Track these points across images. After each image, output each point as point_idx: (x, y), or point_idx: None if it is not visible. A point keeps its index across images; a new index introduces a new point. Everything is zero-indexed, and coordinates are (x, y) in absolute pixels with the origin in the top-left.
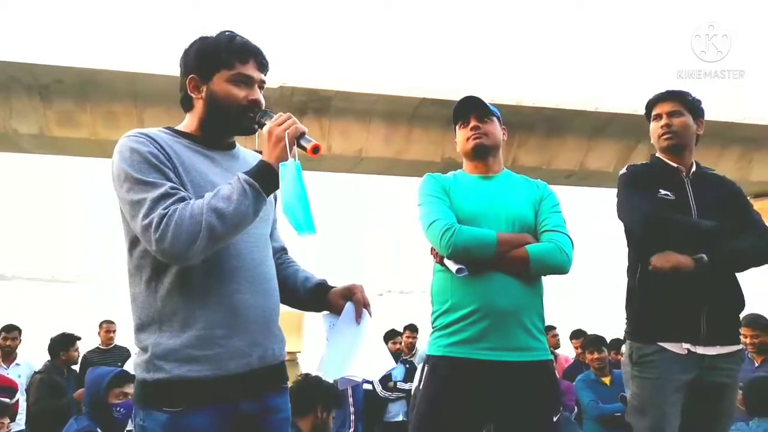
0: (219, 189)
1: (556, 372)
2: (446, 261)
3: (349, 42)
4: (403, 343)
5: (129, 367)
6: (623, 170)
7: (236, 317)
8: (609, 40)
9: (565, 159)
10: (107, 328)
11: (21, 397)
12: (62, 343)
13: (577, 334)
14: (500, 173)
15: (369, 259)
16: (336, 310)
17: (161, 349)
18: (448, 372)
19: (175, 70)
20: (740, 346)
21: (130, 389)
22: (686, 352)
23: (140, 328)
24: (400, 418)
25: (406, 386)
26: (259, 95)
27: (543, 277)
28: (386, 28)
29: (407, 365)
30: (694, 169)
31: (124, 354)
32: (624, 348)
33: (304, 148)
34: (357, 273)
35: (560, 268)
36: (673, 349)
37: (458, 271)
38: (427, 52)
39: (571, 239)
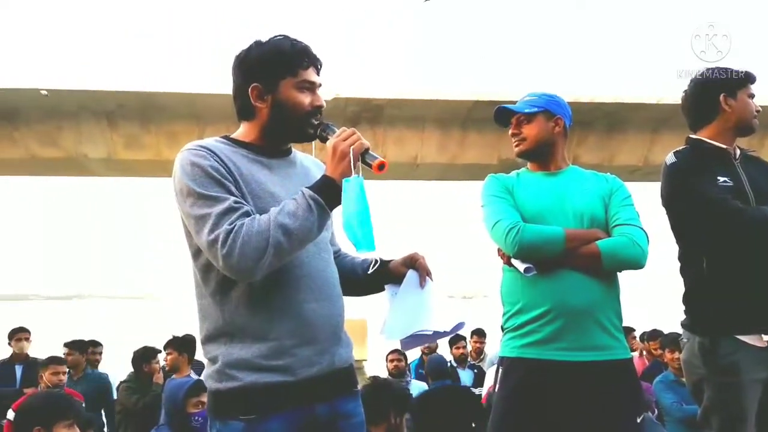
0: (284, 204)
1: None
2: (513, 261)
3: (399, 49)
4: (470, 348)
5: None
6: (672, 158)
7: (305, 327)
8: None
9: (627, 155)
10: None
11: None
12: (144, 356)
13: (653, 335)
14: (565, 169)
15: (429, 265)
16: (398, 280)
17: (233, 358)
18: (523, 374)
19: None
20: None
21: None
22: (765, 344)
23: (208, 339)
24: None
25: (476, 392)
26: (322, 100)
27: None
28: (435, 34)
29: (476, 370)
30: (738, 151)
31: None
32: (685, 344)
33: (369, 165)
34: None
35: (635, 262)
36: (752, 342)
37: (526, 270)
38: (478, 54)
39: (645, 232)
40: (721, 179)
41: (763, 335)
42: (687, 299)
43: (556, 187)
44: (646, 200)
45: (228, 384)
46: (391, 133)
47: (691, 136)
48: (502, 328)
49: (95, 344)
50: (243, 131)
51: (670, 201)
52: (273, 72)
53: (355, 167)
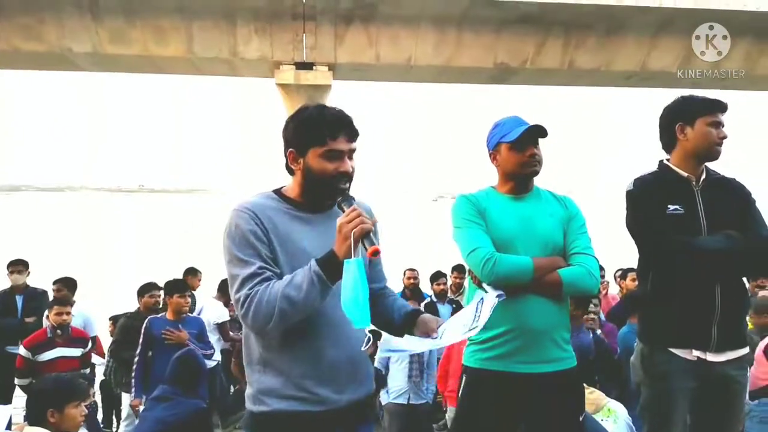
0: (294, 275)
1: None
2: (486, 286)
3: None
4: (450, 283)
5: None
6: (630, 186)
7: (324, 370)
8: None
9: (625, 59)
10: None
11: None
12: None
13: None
14: (531, 191)
15: (422, 164)
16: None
17: (264, 386)
18: (485, 384)
19: None
20: (746, 350)
21: None
22: (696, 359)
23: (248, 363)
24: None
25: None
26: (348, 166)
27: None
28: None
29: (453, 305)
30: (704, 176)
31: None
32: (636, 347)
33: (365, 248)
34: (412, 179)
35: (589, 290)
36: (684, 356)
37: (498, 296)
38: None
39: (597, 261)
40: (672, 207)
41: (693, 350)
42: (635, 307)
43: (524, 211)
44: (643, 108)
45: (259, 408)
46: (386, 31)
47: (662, 159)
48: (468, 339)
49: None
50: (290, 186)
51: (628, 226)
52: (303, 140)
53: (354, 250)
